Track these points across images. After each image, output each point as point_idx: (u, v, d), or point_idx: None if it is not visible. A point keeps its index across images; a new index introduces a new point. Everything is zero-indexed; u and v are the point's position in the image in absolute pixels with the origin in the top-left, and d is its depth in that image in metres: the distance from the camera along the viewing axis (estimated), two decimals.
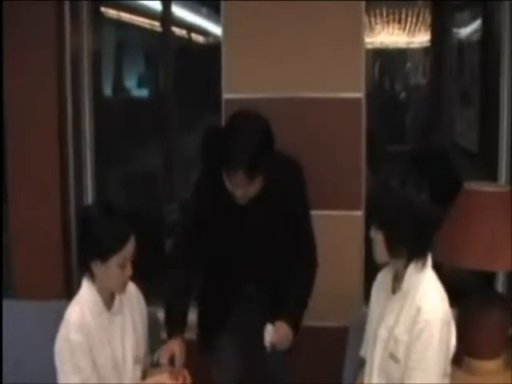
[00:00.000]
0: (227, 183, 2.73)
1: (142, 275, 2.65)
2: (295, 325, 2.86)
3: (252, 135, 2.66)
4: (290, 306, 2.90)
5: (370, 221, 2.59)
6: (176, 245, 3.06)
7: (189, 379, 2.68)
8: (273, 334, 2.80)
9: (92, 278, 2.54)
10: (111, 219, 2.50)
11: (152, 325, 2.85)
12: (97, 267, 2.50)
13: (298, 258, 2.94)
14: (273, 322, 2.82)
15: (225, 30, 3.55)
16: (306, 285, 2.96)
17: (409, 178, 2.46)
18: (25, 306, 3.09)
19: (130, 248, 2.49)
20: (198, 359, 2.83)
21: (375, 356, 2.54)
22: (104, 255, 2.47)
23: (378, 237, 2.47)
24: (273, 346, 2.81)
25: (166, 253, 4.04)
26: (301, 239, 2.97)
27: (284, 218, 2.88)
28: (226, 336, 3.01)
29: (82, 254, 2.55)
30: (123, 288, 2.59)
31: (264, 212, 2.83)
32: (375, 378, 2.55)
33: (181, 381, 2.64)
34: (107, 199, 4.21)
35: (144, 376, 2.70)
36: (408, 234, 2.41)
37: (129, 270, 2.53)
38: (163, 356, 2.74)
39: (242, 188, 2.71)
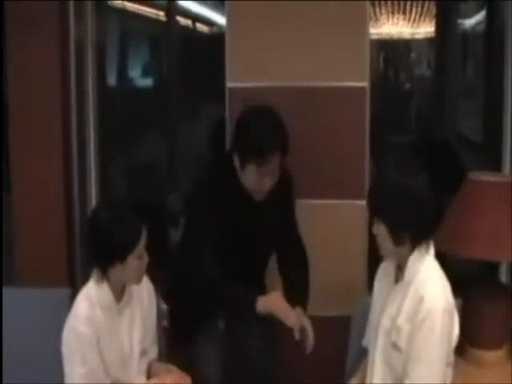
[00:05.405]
0: (248, 180, 2.78)
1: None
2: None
3: (275, 117, 2.78)
4: (302, 295, 2.95)
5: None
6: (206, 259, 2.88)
7: None
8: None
9: (105, 276, 2.52)
10: (122, 218, 2.48)
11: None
12: (115, 268, 2.49)
13: (293, 258, 3.05)
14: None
15: (229, 18, 3.53)
16: (306, 279, 3.02)
17: (405, 166, 2.46)
18: (27, 293, 3.09)
19: (144, 239, 2.49)
20: None
21: (377, 345, 2.54)
22: (123, 256, 2.46)
23: (381, 229, 2.46)
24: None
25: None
26: (293, 241, 3.06)
27: (282, 218, 2.95)
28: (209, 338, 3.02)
29: (99, 261, 2.51)
30: (141, 278, 2.58)
31: (269, 212, 2.88)
32: (378, 368, 2.55)
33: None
34: (111, 192, 4.20)
35: (149, 368, 2.70)
36: (409, 216, 2.40)
37: (146, 258, 2.52)
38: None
39: (272, 175, 2.76)
